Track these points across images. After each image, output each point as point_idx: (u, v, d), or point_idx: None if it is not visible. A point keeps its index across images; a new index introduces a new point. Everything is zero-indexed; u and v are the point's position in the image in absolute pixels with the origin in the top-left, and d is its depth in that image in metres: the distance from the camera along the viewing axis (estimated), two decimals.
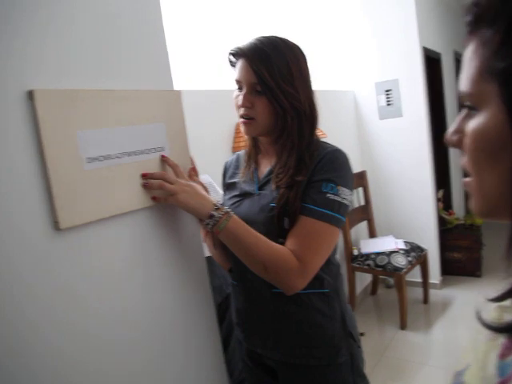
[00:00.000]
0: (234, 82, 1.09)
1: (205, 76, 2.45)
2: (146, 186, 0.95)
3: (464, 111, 0.46)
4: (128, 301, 0.92)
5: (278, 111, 1.04)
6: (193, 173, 1.08)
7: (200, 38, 2.49)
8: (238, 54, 1.07)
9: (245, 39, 1.08)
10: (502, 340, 0.43)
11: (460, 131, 0.46)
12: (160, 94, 1.00)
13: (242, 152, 1.27)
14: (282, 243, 1.02)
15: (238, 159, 1.28)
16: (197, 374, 1.10)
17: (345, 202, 1.02)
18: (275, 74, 1.01)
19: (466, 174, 0.47)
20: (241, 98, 1.06)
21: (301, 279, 0.99)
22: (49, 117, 0.76)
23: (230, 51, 1.09)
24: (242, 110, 1.07)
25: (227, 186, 1.26)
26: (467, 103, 0.44)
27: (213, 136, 2.12)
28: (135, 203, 0.94)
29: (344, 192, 1.02)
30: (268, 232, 1.03)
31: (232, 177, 1.25)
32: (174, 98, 1.04)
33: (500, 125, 0.40)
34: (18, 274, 0.72)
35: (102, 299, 0.86)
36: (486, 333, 0.45)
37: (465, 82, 0.44)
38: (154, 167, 0.98)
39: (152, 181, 0.95)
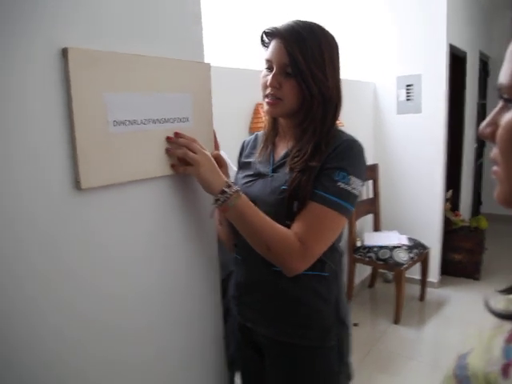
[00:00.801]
0: (264, 62, 1.09)
1: (228, 54, 2.43)
2: (169, 152, 0.97)
3: (500, 104, 0.47)
4: (139, 266, 0.94)
5: (306, 95, 1.04)
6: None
7: (231, 18, 2.47)
8: (273, 33, 1.07)
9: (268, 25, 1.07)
10: (509, 326, 0.45)
11: (494, 123, 0.47)
12: (190, 65, 1.00)
13: (260, 133, 1.27)
14: (289, 226, 1.03)
15: (256, 139, 1.29)
16: (198, 344, 1.13)
17: (354, 192, 1.03)
18: (308, 58, 1.01)
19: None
20: (270, 77, 1.05)
21: (302, 262, 1.01)
22: (80, 76, 0.76)
23: (264, 30, 1.09)
24: (268, 90, 1.07)
25: (242, 165, 1.27)
26: (505, 96, 0.45)
27: (231, 114, 2.11)
28: (156, 170, 0.95)
29: (355, 182, 1.03)
30: (277, 213, 1.05)
31: (248, 156, 1.26)
32: (203, 70, 1.04)
33: None
34: (38, 228, 0.74)
35: (115, 261, 0.88)
36: (492, 321, 0.47)
37: (506, 75, 0.45)
38: None
39: (175, 148, 0.97)
